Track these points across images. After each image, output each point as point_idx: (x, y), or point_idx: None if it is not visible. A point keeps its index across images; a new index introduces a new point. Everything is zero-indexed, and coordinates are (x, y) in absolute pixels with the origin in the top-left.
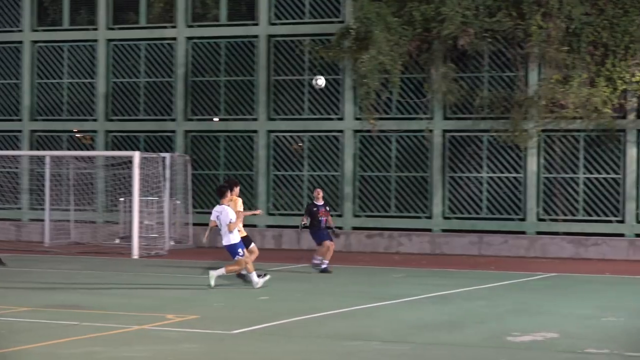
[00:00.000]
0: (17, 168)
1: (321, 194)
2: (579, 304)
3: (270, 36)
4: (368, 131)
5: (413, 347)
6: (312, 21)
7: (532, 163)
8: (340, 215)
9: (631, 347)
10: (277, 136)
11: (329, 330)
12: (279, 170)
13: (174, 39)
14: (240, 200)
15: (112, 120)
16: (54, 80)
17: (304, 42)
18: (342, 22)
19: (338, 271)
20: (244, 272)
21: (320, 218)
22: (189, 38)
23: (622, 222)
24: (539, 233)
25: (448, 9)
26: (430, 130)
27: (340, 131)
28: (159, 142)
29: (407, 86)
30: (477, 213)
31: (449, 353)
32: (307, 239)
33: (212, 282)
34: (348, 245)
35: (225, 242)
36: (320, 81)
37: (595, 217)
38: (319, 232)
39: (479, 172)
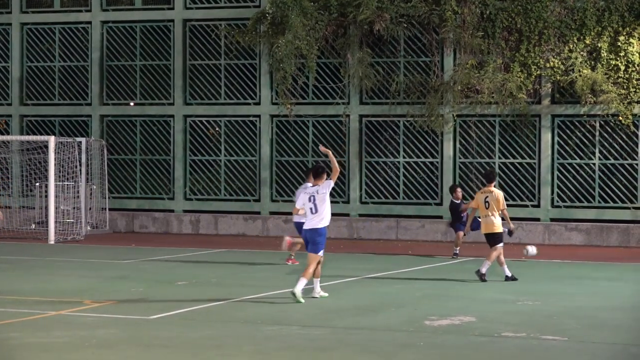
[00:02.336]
0: None
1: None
2: (496, 288)
3: (186, 20)
4: (285, 116)
5: (333, 331)
6: (228, 5)
7: (448, 148)
8: (257, 200)
9: (547, 331)
10: (193, 121)
11: (248, 315)
12: (196, 155)
13: (89, 22)
14: None
15: (26, 104)
16: None
17: (220, 27)
18: (258, 6)
19: (257, 256)
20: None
21: (462, 215)
22: (104, 22)
23: (537, 206)
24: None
25: None
26: (347, 115)
27: (257, 116)
28: (75, 127)
29: (323, 71)
30: (394, 198)
31: (368, 337)
32: (224, 226)
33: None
34: (266, 230)
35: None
36: (532, 249)
37: (511, 202)
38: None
39: (395, 157)
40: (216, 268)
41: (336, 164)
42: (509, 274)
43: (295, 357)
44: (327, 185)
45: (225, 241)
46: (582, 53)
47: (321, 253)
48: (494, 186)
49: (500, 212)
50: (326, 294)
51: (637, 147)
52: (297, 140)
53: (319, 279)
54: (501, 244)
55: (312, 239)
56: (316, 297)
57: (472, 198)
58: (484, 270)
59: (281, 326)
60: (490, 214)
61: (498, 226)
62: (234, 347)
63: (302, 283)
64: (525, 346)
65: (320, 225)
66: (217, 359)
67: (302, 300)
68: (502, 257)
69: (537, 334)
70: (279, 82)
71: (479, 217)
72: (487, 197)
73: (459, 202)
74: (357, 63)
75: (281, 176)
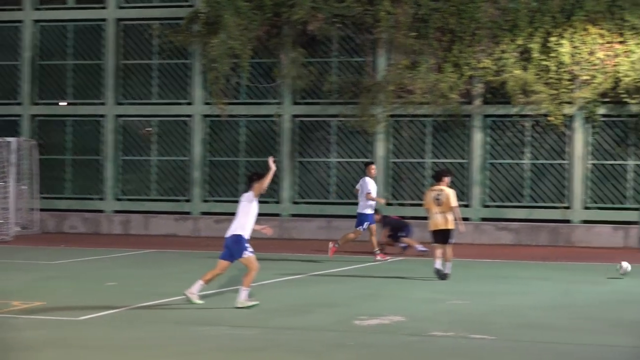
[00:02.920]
0: None
1: None
2: (426, 287)
3: (119, 20)
4: (217, 116)
5: (263, 332)
6: (162, 5)
7: (380, 148)
8: (188, 201)
9: (475, 330)
10: (125, 121)
11: (177, 316)
12: (127, 155)
13: (21, 21)
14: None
15: None
16: None
17: (153, 26)
18: (191, 6)
19: (186, 257)
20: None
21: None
22: (36, 21)
23: (468, 206)
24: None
25: None
26: (280, 115)
27: (189, 116)
28: (5, 127)
29: (256, 71)
30: (326, 198)
31: (298, 337)
32: (155, 227)
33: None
34: (197, 231)
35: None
36: (625, 265)
37: None
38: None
39: (327, 157)
40: (146, 268)
41: (267, 181)
42: (441, 268)
43: (224, 357)
44: (245, 196)
45: (155, 241)
46: (513, 54)
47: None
48: (447, 185)
49: (450, 209)
50: (252, 303)
51: (567, 147)
52: (230, 141)
53: (248, 288)
54: (452, 240)
55: (224, 245)
56: (239, 307)
57: (404, 198)
58: (447, 270)
59: (211, 327)
60: (441, 211)
61: (450, 223)
62: (162, 348)
63: (197, 286)
64: (455, 345)
65: (228, 233)
66: None
67: (200, 302)
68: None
69: (466, 333)
70: (212, 82)
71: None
72: (438, 194)
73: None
74: (291, 63)
75: (213, 177)
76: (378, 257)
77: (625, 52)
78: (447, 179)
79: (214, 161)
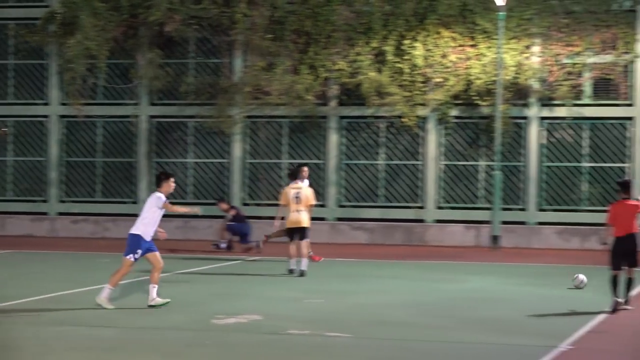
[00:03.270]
0: None
1: None
2: (283, 287)
3: None
4: (74, 116)
5: (121, 331)
6: (17, 5)
7: (237, 148)
8: (45, 201)
9: (331, 328)
10: None
11: (34, 317)
12: None
13: None
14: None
15: None
16: None
17: (9, 26)
18: (47, 6)
19: (44, 257)
20: None
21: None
22: None
23: (324, 206)
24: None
25: None
26: (137, 116)
27: (46, 116)
28: None
29: (113, 72)
30: (183, 198)
31: (156, 336)
32: (11, 227)
33: None
34: (54, 231)
35: None
36: (581, 277)
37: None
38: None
39: (185, 158)
40: (1, 269)
41: (176, 209)
42: (295, 267)
43: (81, 357)
44: (153, 196)
45: (12, 242)
46: (368, 56)
47: (130, 257)
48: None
49: (308, 207)
50: (164, 301)
51: (420, 148)
52: (87, 141)
53: (155, 285)
54: (308, 239)
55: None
56: (152, 305)
57: (260, 198)
58: (304, 267)
59: (69, 327)
60: (300, 209)
61: (307, 221)
62: (16, 349)
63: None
64: (311, 343)
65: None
66: None
67: (110, 306)
68: (299, 251)
69: (322, 331)
70: (68, 83)
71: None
72: (297, 192)
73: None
74: (148, 64)
75: (70, 177)
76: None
77: (477, 55)
78: (305, 173)
79: (71, 162)
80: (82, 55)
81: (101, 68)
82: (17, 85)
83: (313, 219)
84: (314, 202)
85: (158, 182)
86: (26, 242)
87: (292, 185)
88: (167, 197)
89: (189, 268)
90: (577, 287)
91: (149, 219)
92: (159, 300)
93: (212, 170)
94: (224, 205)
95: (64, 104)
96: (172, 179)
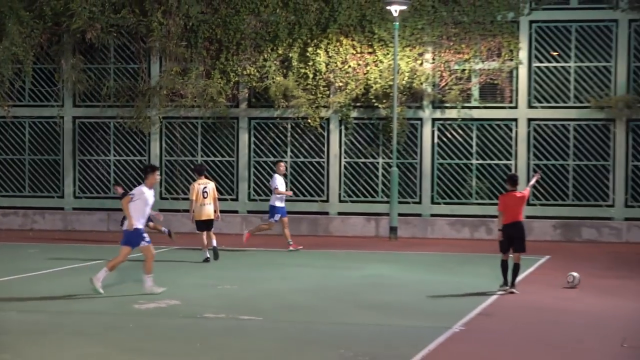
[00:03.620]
0: None
1: None
2: (198, 274)
3: None
4: (2, 117)
5: (48, 316)
6: None
7: (155, 147)
8: None
9: (243, 311)
10: None
11: None
12: None
13: None
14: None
15: None
16: None
17: None
18: None
19: None
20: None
21: None
22: None
23: (235, 200)
24: (162, 210)
25: (76, 5)
26: (61, 117)
27: None
28: None
29: (39, 75)
30: (106, 193)
31: (80, 320)
32: None
33: None
34: None
35: None
36: (576, 275)
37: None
38: None
39: (106, 155)
40: None
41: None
42: (209, 255)
43: (8, 341)
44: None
45: None
46: (275, 62)
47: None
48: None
49: (214, 200)
50: (160, 290)
51: (324, 146)
52: (15, 140)
53: (149, 275)
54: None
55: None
56: (148, 294)
57: (177, 193)
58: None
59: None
60: (209, 202)
61: (213, 213)
62: None
63: (102, 273)
64: (226, 326)
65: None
66: None
67: (101, 291)
68: (209, 240)
69: (235, 315)
70: None
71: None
72: (205, 187)
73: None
74: (71, 69)
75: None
76: (291, 248)
77: (375, 61)
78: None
79: (1, 159)
80: (9, 60)
81: (27, 72)
82: None
83: (227, 211)
84: (216, 195)
85: (144, 174)
86: None
87: (199, 181)
88: (152, 189)
89: (111, 257)
90: (572, 286)
91: (134, 211)
92: (155, 290)
93: (131, 167)
94: (119, 189)
95: None
96: (157, 172)
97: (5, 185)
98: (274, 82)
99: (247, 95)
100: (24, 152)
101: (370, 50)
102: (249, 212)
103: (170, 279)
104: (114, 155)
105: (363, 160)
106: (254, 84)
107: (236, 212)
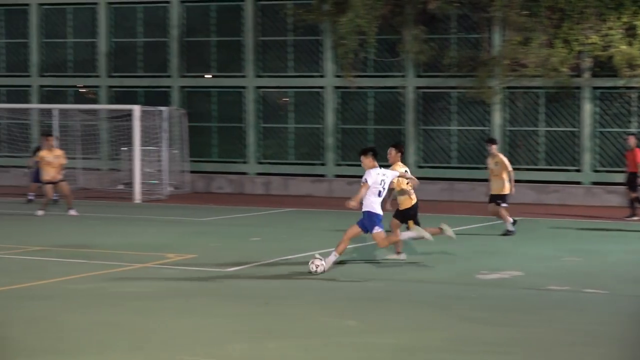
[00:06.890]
0: (27, 120)
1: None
2: (539, 246)
3: (257, 0)
4: (347, 87)
5: (387, 284)
6: None
7: (497, 117)
8: (323, 164)
9: (589, 284)
10: (264, 92)
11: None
12: (267, 123)
13: (168, 2)
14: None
15: (113, 76)
16: (59, 40)
17: (288, 6)
18: None
19: (321, 215)
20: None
21: None
22: (182, 1)
23: (579, 171)
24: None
25: None
26: (404, 87)
27: (322, 87)
28: (157, 97)
29: (382, 46)
30: (448, 162)
31: (422, 289)
32: (293, 188)
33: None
34: (331, 192)
35: None
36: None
37: (554, 167)
38: None
39: (449, 125)
40: (285, 226)
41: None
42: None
43: (353, 307)
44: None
45: (293, 201)
46: (619, 30)
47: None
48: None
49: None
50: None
51: None
52: (359, 110)
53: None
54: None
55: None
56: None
57: (519, 163)
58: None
59: (339, 282)
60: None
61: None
62: (298, 298)
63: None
64: (569, 298)
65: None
66: (287, 309)
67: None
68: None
69: (579, 287)
70: (341, 57)
71: None
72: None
73: None
74: (413, 39)
75: (345, 142)
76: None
77: None
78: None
79: (345, 128)
80: (353, 31)
81: (371, 43)
82: (295, 59)
83: (566, 182)
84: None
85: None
86: (306, 201)
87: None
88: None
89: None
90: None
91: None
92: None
93: (474, 137)
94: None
95: (338, 76)
96: (370, 152)
97: (350, 154)
98: (618, 51)
99: (590, 64)
100: (367, 121)
101: None
102: (592, 183)
103: (513, 250)
104: (456, 125)
105: None
106: (597, 53)
107: (579, 183)
